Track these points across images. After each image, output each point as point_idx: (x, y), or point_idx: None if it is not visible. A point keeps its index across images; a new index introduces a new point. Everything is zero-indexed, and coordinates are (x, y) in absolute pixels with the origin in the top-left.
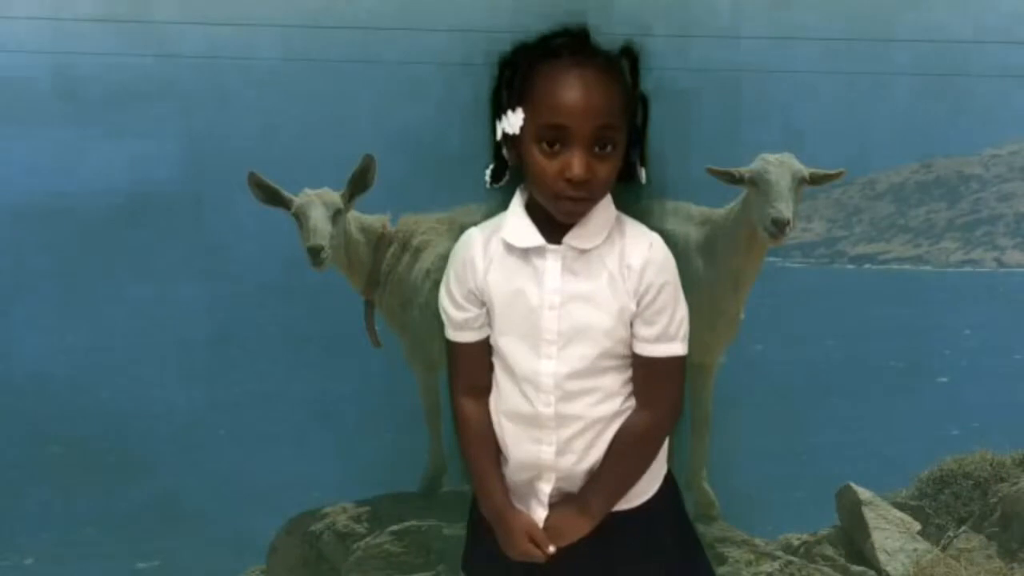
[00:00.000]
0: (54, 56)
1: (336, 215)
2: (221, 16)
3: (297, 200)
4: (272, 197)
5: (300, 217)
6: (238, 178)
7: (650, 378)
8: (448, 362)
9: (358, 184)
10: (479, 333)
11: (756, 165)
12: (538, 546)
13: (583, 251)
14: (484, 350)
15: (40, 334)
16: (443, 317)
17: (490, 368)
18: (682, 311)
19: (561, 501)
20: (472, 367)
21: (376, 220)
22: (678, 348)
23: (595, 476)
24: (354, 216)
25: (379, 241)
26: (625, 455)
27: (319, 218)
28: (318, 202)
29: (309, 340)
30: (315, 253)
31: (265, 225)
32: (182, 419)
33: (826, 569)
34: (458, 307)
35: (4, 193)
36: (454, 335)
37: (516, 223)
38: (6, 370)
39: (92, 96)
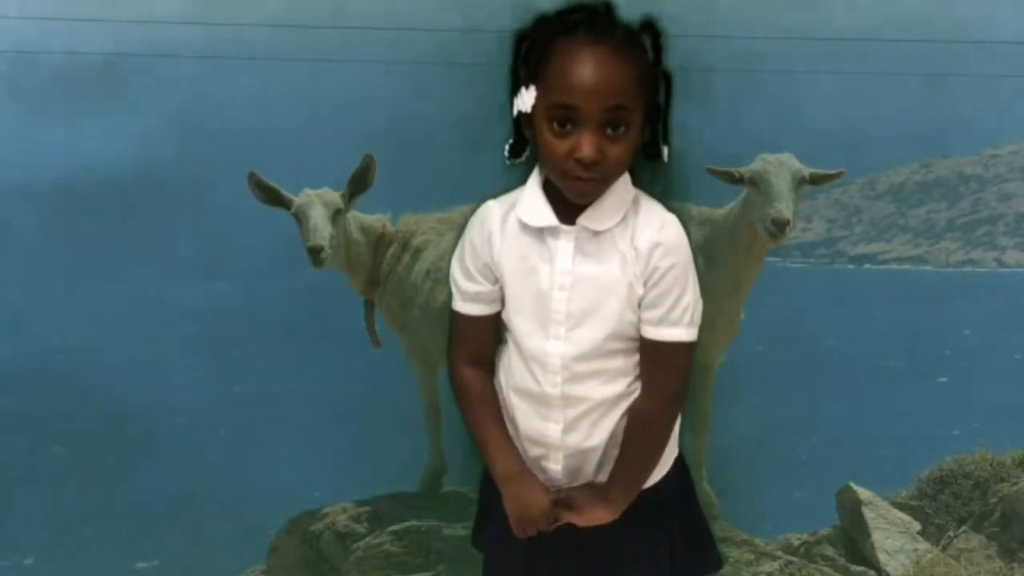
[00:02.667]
0: (55, 56)
1: (336, 215)
2: (221, 16)
3: (297, 200)
4: (272, 197)
5: (300, 217)
6: (238, 178)
7: (652, 362)
8: (451, 332)
9: (358, 184)
10: (490, 307)
11: (756, 165)
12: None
13: (596, 233)
14: (491, 324)
15: (40, 334)
16: (452, 287)
17: (495, 342)
18: (690, 296)
19: (582, 485)
20: (477, 339)
21: (376, 220)
22: (682, 334)
23: (613, 468)
24: (354, 216)
25: (379, 241)
26: (635, 443)
27: (319, 218)
28: (318, 202)
29: (309, 340)
30: (315, 253)
31: (265, 226)
32: (183, 419)
33: (826, 569)
34: (471, 279)
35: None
36: (463, 306)
37: (532, 201)
38: (6, 370)
39: (91, 96)
